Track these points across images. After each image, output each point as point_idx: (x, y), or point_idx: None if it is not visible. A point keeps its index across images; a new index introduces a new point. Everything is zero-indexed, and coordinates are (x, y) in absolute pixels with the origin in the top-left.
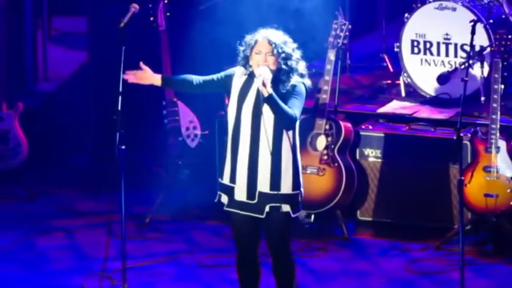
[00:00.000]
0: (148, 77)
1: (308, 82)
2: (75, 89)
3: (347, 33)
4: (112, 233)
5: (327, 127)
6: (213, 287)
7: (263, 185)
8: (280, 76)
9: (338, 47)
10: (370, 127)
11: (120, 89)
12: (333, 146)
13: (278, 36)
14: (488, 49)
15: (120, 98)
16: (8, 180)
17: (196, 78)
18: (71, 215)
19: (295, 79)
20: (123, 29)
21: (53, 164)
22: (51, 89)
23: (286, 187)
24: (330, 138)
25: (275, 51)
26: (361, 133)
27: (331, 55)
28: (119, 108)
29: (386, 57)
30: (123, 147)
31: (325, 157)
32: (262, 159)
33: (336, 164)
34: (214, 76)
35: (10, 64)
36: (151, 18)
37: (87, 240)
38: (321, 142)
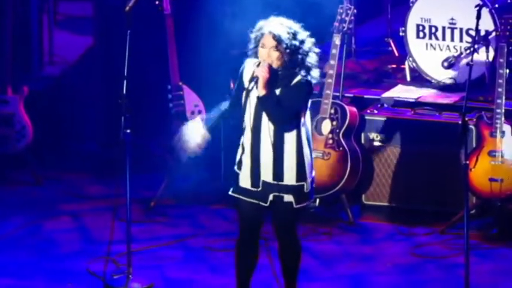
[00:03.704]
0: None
1: (315, 74)
2: (81, 74)
3: (352, 17)
4: (118, 217)
5: (332, 111)
6: (218, 270)
7: (266, 174)
8: (283, 71)
9: (343, 32)
10: (376, 111)
11: (125, 73)
12: (338, 130)
13: (285, 28)
14: (494, 34)
15: (125, 82)
16: (14, 165)
17: (229, 107)
18: (77, 200)
19: (299, 76)
20: (129, 13)
21: (58, 149)
22: (57, 73)
23: (288, 178)
24: (335, 123)
25: (279, 46)
26: (367, 117)
27: (337, 40)
28: (124, 92)
29: (391, 41)
30: (128, 131)
31: (330, 141)
32: (264, 150)
33: (341, 149)
34: (235, 92)
35: (16, 48)
36: (157, 2)
37: (93, 224)
38: (326, 126)
